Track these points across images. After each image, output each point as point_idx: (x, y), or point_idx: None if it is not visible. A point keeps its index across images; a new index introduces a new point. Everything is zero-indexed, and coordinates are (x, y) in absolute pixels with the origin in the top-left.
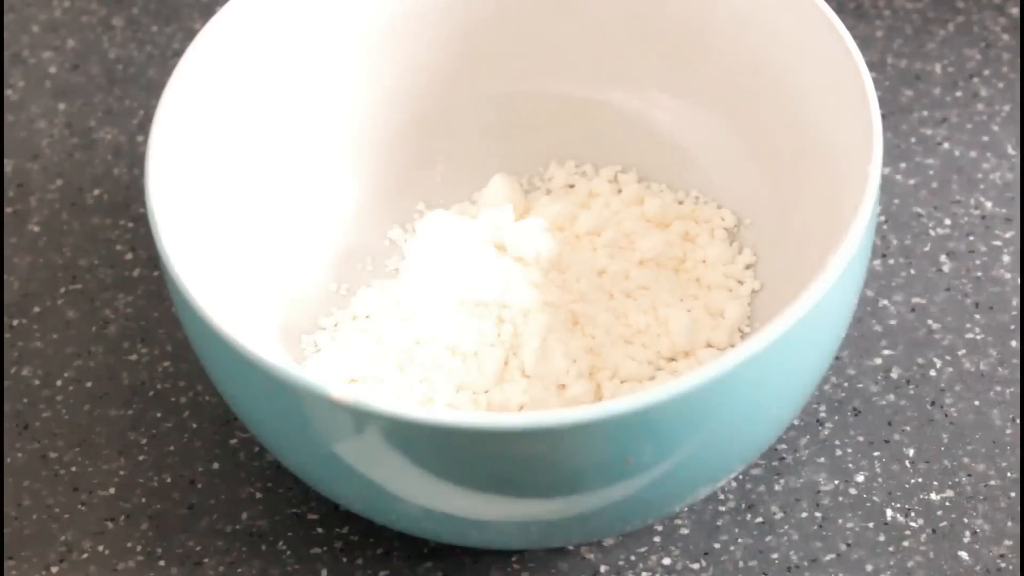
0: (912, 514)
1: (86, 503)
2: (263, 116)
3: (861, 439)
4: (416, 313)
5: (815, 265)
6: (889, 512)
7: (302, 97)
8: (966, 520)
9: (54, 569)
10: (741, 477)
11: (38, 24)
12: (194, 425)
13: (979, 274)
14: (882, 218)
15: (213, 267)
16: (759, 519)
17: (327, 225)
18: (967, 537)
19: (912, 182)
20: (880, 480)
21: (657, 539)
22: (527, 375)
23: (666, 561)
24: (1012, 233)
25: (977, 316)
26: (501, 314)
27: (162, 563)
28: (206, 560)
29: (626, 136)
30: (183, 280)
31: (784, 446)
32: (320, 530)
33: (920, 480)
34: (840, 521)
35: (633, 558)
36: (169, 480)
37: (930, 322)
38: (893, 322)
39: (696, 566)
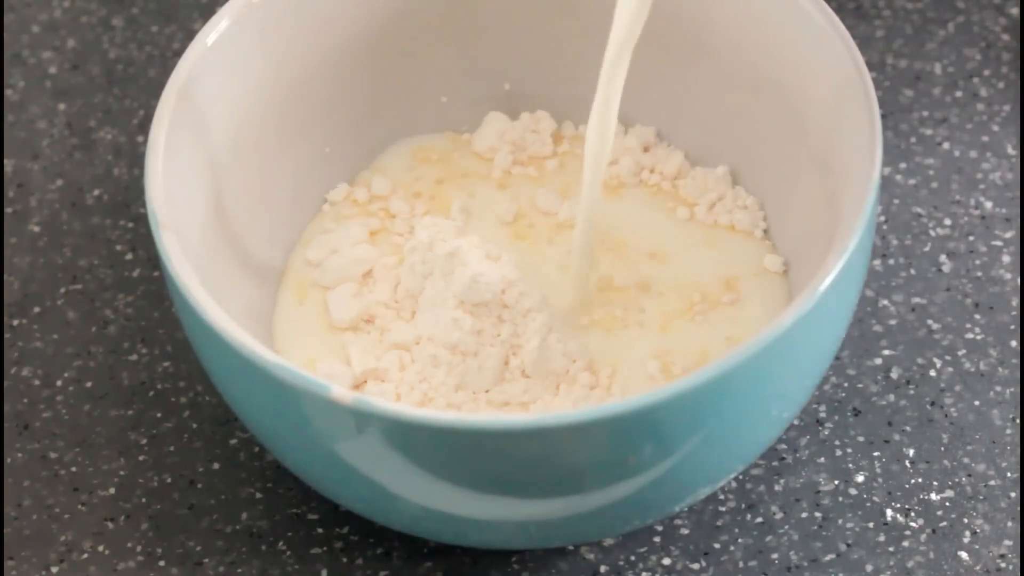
0: (912, 514)
1: (86, 503)
2: (263, 115)
3: (861, 439)
4: (416, 313)
5: (815, 265)
6: (889, 512)
7: (302, 96)
8: (966, 520)
9: (54, 569)
10: (741, 477)
11: (38, 24)
12: (194, 425)
13: (979, 274)
14: (882, 218)
15: (213, 267)
16: (759, 519)
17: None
18: (967, 537)
19: (912, 182)
20: (880, 480)
21: (657, 539)
22: (527, 375)
23: (666, 561)
24: (1012, 233)
25: (977, 316)
26: (501, 314)
27: (162, 563)
28: (206, 560)
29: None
30: (183, 280)
31: (784, 446)
32: (320, 530)
33: (920, 480)
34: (840, 521)
35: (633, 558)
36: (169, 480)
37: (930, 322)
38: (893, 322)
39: (696, 566)
